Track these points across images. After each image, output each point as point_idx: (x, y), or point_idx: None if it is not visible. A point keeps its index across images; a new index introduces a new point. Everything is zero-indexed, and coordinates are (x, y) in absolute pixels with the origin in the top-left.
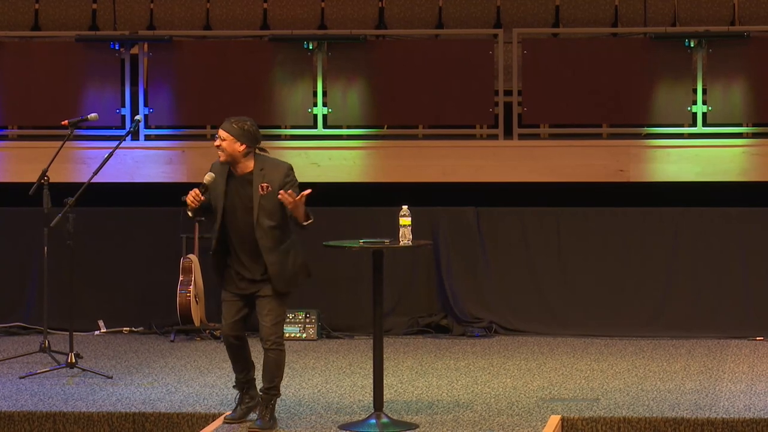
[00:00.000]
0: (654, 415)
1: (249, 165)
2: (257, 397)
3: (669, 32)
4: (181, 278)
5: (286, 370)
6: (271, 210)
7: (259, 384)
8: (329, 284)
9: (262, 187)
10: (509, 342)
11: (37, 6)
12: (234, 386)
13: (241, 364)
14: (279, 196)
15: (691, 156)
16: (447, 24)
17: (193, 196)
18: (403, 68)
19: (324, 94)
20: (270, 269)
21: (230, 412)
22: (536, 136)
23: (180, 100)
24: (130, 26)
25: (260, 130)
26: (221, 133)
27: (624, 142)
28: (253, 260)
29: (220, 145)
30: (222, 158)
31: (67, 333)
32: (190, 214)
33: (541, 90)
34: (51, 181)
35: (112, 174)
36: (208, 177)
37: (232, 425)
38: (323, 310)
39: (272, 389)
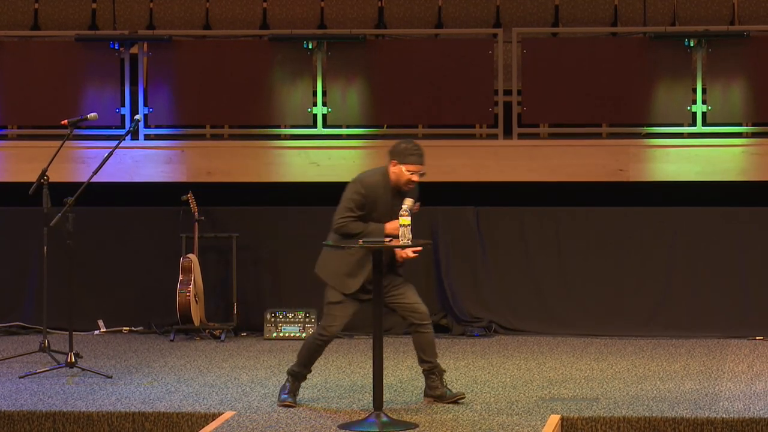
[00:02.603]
0: (654, 414)
1: None
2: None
3: (668, 32)
4: (180, 278)
5: (285, 369)
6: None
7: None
8: None
9: (416, 207)
10: (509, 342)
11: (36, 6)
12: (293, 375)
13: (315, 361)
14: (400, 255)
15: (691, 156)
16: (446, 23)
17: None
18: (402, 68)
19: (323, 93)
20: (397, 268)
21: (290, 400)
22: (536, 136)
23: (179, 100)
24: (130, 26)
25: (259, 129)
26: (424, 169)
27: (623, 142)
28: (388, 265)
29: (417, 181)
30: (411, 187)
31: (67, 332)
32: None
33: (541, 90)
34: (51, 180)
35: (111, 173)
36: (409, 203)
37: (231, 423)
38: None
39: (435, 361)
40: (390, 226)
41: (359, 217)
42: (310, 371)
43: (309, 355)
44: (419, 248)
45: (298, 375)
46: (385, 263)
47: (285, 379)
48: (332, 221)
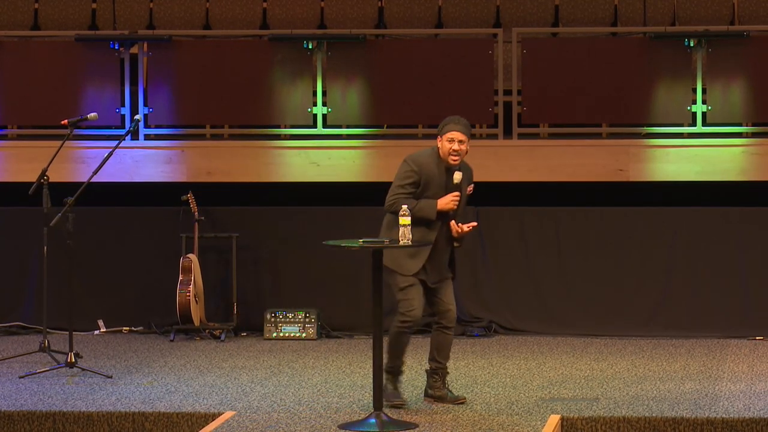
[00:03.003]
0: (654, 414)
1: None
2: None
3: (668, 32)
4: (180, 278)
5: (285, 369)
6: (463, 206)
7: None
8: (329, 284)
9: (470, 188)
10: (509, 342)
11: (36, 5)
12: (390, 371)
13: (407, 349)
14: (455, 230)
15: (691, 156)
16: (446, 23)
17: (458, 200)
18: (402, 68)
19: (323, 93)
20: (456, 256)
21: (396, 400)
22: (536, 136)
23: (179, 100)
24: (130, 26)
25: (259, 129)
26: (462, 137)
27: (623, 142)
28: (443, 249)
29: (459, 150)
30: (456, 162)
31: (67, 332)
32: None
33: (541, 90)
34: (51, 180)
35: (111, 173)
36: (458, 176)
37: (232, 424)
38: (323, 310)
39: (445, 363)
40: (442, 202)
41: (412, 195)
42: (404, 362)
43: (396, 345)
44: (474, 224)
45: (392, 369)
46: (441, 248)
47: (385, 379)
48: (385, 201)
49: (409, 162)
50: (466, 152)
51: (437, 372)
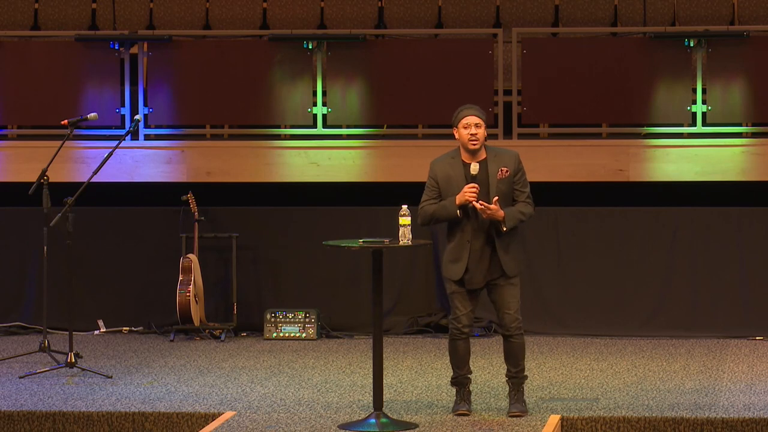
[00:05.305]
0: (654, 414)
1: (482, 153)
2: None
3: (668, 32)
4: (180, 278)
5: (285, 369)
6: (506, 193)
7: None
8: (329, 284)
9: (501, 170)
10: None
11: (36, 5)
12: (453, 383)
13: (466, 359)
14: (477, 206)
15: (691, 155)
16: (446, 23)
17: (474, 191)
18: (402, 68)
19: (323, 93)
20: (501, 252)
21: (462, 408)
22: (536, 136)
23: (179, 100)
24: (130, 26)
25: (259, 129)
26: (477, 120)
27: (623, 142)
28: (487, 249)
29: (477, 133)
30: (477, 146)
31: (67, 333)
32: (460, 213)
33: (541, 89)
34: (51, 180)
35: (111, 174)
36: (474, 167)
37: (241, 423)
38: (323, 310)
39: (521, 372)
40: (459, 197)
41: (436, 200)
42: (468, 371)
43: (451, 354)
44: (496, 198)
45: (455, 380)
46: (479, 247)
47: (455, 392)
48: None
49: (430, 169)
50: (485, 136)
51: (508, 379)
